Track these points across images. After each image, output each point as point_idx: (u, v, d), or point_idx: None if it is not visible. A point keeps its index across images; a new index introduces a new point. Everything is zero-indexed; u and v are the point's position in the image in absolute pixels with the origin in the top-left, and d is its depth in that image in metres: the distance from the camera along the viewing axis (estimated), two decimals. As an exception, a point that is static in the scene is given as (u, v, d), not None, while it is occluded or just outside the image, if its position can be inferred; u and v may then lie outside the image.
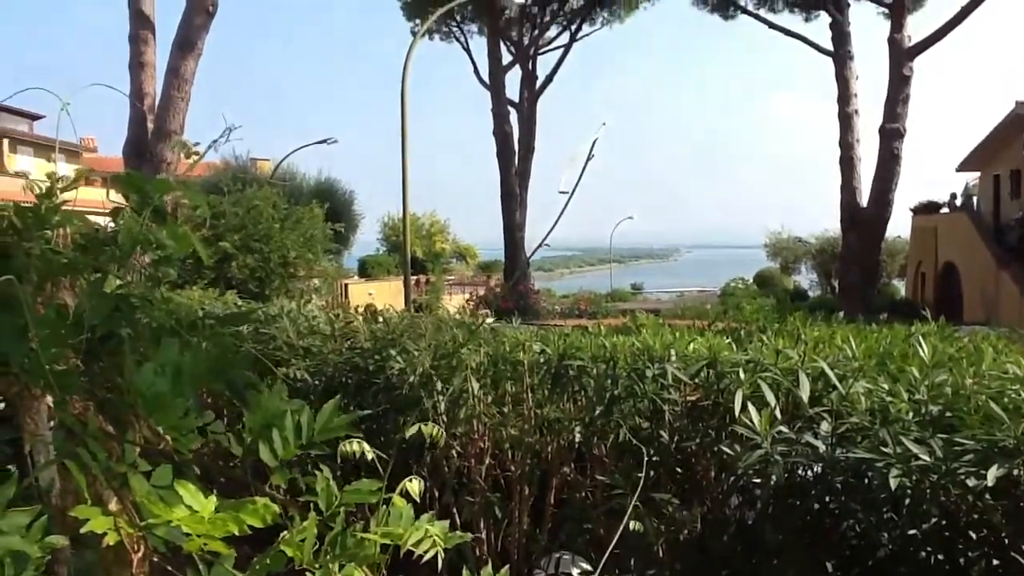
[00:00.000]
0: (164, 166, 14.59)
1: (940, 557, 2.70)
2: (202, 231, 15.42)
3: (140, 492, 1.21)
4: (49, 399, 1.38)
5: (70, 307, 1.52)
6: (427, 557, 1.46)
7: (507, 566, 1.74)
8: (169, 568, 1.40)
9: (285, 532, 1.36)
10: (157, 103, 14.98)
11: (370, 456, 1.53)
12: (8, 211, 1.58)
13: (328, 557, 1.33)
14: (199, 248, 1.76)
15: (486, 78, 35.46)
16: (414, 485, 1.53)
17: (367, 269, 42.98)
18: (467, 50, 36.69)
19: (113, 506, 1.27)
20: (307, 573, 1.34)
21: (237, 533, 1.21)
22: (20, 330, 1.32)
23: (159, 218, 1.68)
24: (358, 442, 1.52)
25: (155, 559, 1.35)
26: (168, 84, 14.85)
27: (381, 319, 5.23)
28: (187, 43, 14.78)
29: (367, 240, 47.43)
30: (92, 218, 1.82)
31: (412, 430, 1.61)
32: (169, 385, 1.32)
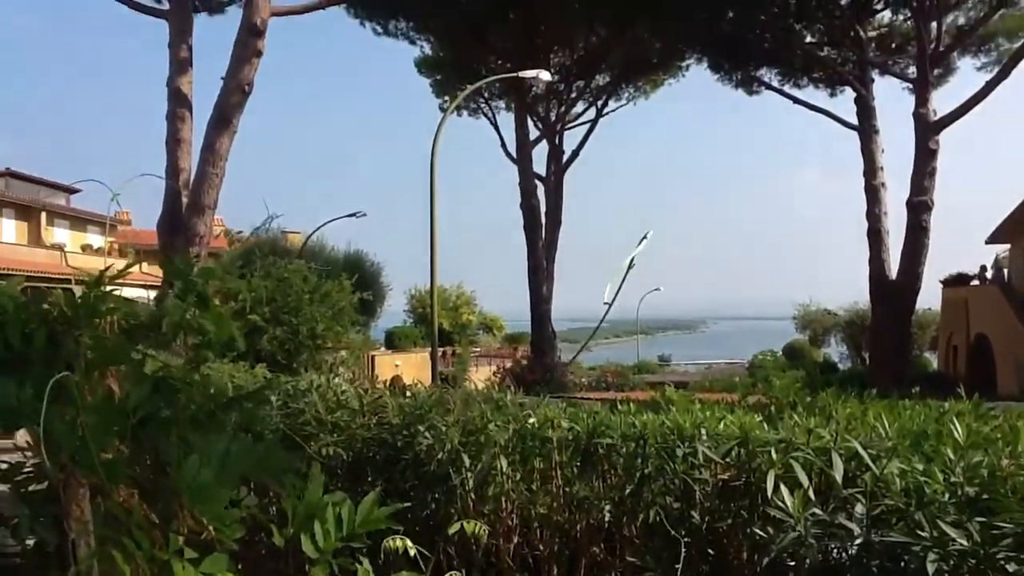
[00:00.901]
0: (197, 239, 14.88)
1: (980, 645, 2.62)
2: (231, 305, 15.60)
3: (183, 581, 1.23)
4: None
5: (116, 392, 1.56)
6: None
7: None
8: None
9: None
10: (192, 178, 15.36)
11: (412, 552, 1.54)
12: (59, 299, 1.63)
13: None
14: (237, 335, 1.80)
15: (513, 152, 35.95)
16: (454, 579, 1.53)
17: (394, 341, 43.11)
18: (495, 126, 37.29)
19: (156, 594, 1.28)
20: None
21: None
22: (70, 420, 1.35)
23: (202, 303, 1.73)
24: (401, 539, 1.52)
25: (196, 649, 1.35)
26: (203, 160, 15.24)
27: (409, 393, 5.24)
28: (223, 121, 15.20)
29: (394, 311, 47.71)
30: (127, 290, 1.88)
31: (455, 528, 1.61)
32: (214, 476, 1.34)
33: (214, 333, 1.72)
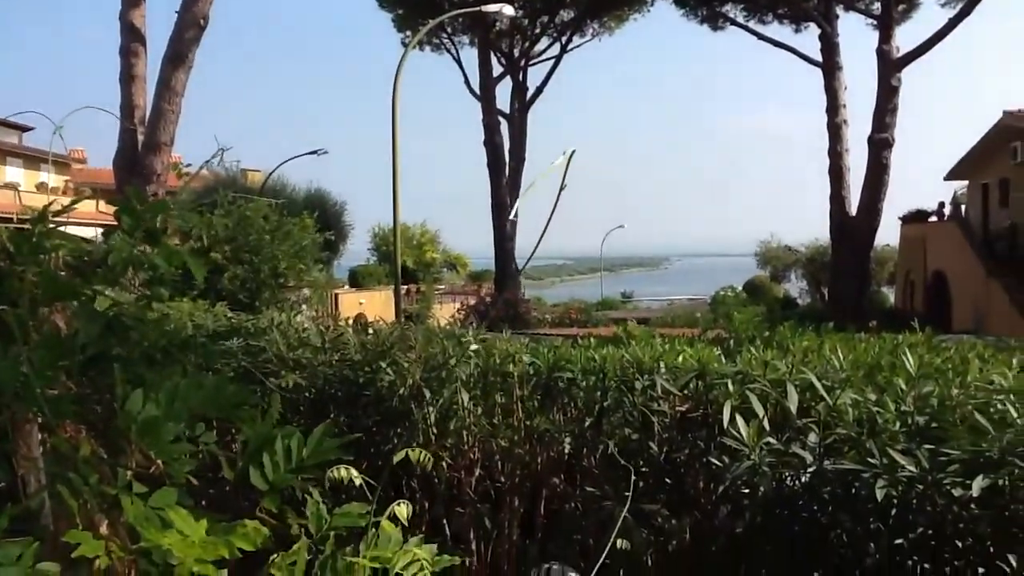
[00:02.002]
0: (154, 178, 14.57)
1: (927, 566, 2.72)
2: (191, 243, 15.39)
3: (133, 515, 1.22)
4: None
5: (63, 330, 1.53)
6: None
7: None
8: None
9: (275, 555, 1.37)
10: (148, 116, 14.97)
11: (358, 482, 1.55)
12: (2, 235, 1.59)
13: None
14: (193, 266, 1.77)
15: (477, 89, 35.53)
16: (402, 509, 1.54)
17: (357, 279, 42.92)
18: (458, 61, 36.74)
19: (104, 530, 1.28)
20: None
21: (228, 556, 1.22)
22: (13, 356, 1.33)
23: (151, 239, 1.70)
24: (346, 468, 1.53)
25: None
26: (159, 97, 14.83)
27: (371, 331, 5.23)
28: (178, 56, 14.77)
29: (357, 250, 47.47)
30: (84, 230, 1.84)
31: (399, 456, 1.62)
32: (162, 411, 1.33)
33: (165, 268, 1.70)
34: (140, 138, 14.80)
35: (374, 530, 1.47)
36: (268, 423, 1.52)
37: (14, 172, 42.23)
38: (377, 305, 33.95)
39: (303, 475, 1.49)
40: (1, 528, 1.19)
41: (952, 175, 34.97)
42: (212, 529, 1.23)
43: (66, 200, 2.02)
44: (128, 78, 14.99)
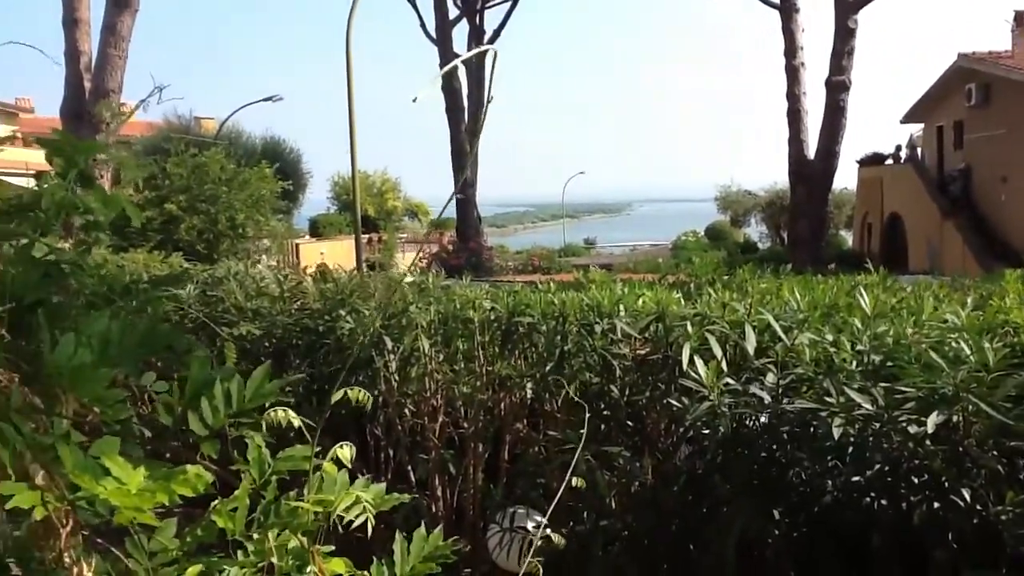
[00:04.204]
0: (103, 126, 14.20)
1: (884, 502, 2.77)
2: (145, 193, 15.08)
3: (70, 465, 1.19)
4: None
5: (-5, 276, 1.47)
6: (356, 523, 1.45)
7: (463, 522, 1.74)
8: (100, 540, 1.37)
9: (216, 502, 1.34)
10: (94, 62, 14.53)
11: (297, 424, 1.52)
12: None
13: (261, 527, 1.32)
14: (131, 211, 1.71)
15: (433, 32, 34.92)
16: (345, 451, 1.52)
17: (318, 228, 42.49)
18: (412, 3, 36.03)
19: (40, 480, 1.24)
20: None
21: (167, 504, 1.19)
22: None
23: (86, 182, 1.63)
24: (283, 410, 1.50)
25: (86, 532, 1.32)
26: (104, 42, 14.40)
27: (331, 279, 5.18)
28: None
29: (317, 199, 46.89)
30: (23, 181, 1.77)
31: (338, 395, 1.59)
32: (95, 356, 1.28)
33: (103, 212, 1.63)
34: (87, 85, 14.39)
35: (317, 474, 1.45)
36: (202, 367, 1.48)
37: (-41, 122, 40.97)
38: (339, 254, 33.64)
39: (242, 419, 1.47)
40: None
41: (908, 118, 35.24)
42: (152, 476, 1.20)
43: (19, 152, 1.94)
44: (72, 22, 14.50)
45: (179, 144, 16.62)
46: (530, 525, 3.69)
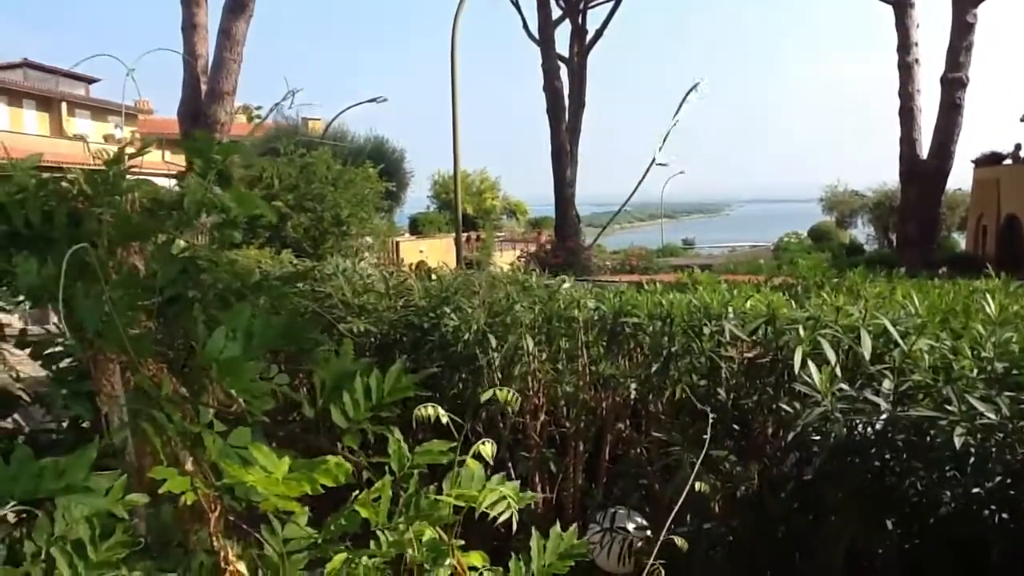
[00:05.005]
0: (218, 127, 14.77)
1: (1004, 515, 2.66)
2: (257, 191, 15.60)
3: (215, 453, 1.24)
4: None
5: (140, 271, 1.55)
6: (502, 519, 1.48)
7: (569, 522, 1.76)
8: (244, 526, 1.43)
9: (358, 492, 1.38)
10: (210, 65, 15.13)
11: (445, 420, 1.55)
12: (79, 177, 1.61)
13: (402, 518, 1.36)
14: (266, 210, 1.78)
15: (535, 33, 34.99)
16: (487, 448, 1.54)
17: (418, 226, 43.16)
18: (516, 5, 36.18)
19: (188, 466, 1.31)
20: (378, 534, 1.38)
21: (310, 492, 1.23)
22: (95, 295, 1.35)
23: (223, 181, 1.71)
24: (432, 406, 1.53)
25: (230, 517, 1.38)
26: (220, 46, 14.98)
27: (435, 277, 5.26)
28: (238, 5, 14.86)
29: (418, 198, 47.63)
30: (154, 180, 1.86)
31: (487, 395, 1.61)
32: (241, 349, 1.34)
33: (238, 211, 1.71)
34: (203, 87, 14.99)
35: (458, 469, 1.47)
36: (344, 360, 1.53)
37: (82, 124, 43.16)
38: (438, 253, 34.10)
39: (382, 413, 1.51)
40: (90, 459, 1.23)
41: (1030, 115, 33.56)
42: (294, 466, 1.25)
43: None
44: (190, 27, 15.14)
45: (289, 143, 17.14)
46: (631, 527, 3.67)
